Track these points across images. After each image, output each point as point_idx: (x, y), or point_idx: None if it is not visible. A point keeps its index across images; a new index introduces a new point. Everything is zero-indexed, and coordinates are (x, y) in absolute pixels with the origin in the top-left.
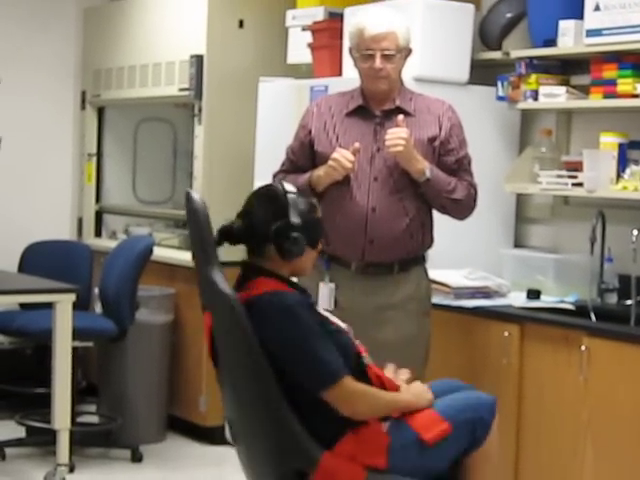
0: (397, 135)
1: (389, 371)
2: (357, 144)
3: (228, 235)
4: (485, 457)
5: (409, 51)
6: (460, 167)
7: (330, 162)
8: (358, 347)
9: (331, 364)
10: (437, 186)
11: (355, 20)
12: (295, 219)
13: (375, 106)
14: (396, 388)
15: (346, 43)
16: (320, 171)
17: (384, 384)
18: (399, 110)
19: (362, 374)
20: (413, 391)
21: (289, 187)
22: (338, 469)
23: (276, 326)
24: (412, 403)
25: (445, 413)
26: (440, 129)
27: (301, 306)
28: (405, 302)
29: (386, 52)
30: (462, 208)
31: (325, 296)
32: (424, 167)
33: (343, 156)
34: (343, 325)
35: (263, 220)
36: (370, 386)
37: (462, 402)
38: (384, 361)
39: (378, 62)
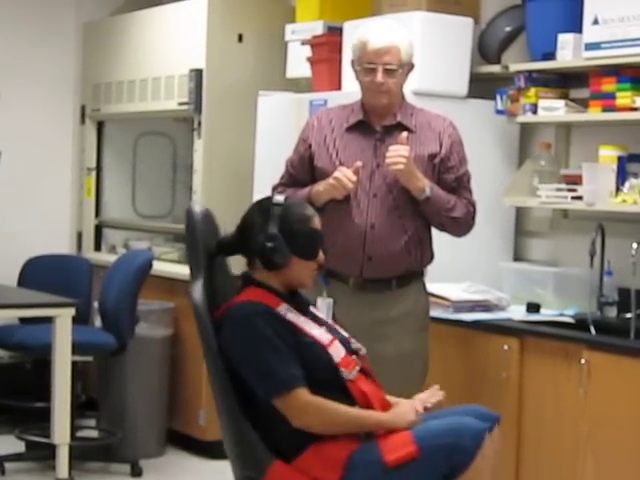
0: (398, 153)
1: (428, 391)
2: (359, 163)
3: (222, 246)
4: None
5: (411, 66)
6: (460, 185)
7: (331, 181)
8: (344, 361)
9: (280, 374)
10: (437, 204)
11: (358, 33)
12: (273, 229)
13: (376, 121)
14: (385, 406)
15: (345, 57)
16: (320, 187)
17: (369, 400)
18: (400, 126)
19: (340, 388)
20: (396, 410)
21: (278, 198)
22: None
23: (231, 333)
24: (385, 423)
25: (420, 437)
26: (441, 146)
27: (261, 316)
28: (403, 317)
29: (388, 66)
30: (460, 226)
31: (323, 311)
32: (424, 185)
33: (345, 175)
34: (346, 335)
35: (253, 231)
36: (333, 401)
37: (444, 427)
38: (379, 375)
39: (380, 76)
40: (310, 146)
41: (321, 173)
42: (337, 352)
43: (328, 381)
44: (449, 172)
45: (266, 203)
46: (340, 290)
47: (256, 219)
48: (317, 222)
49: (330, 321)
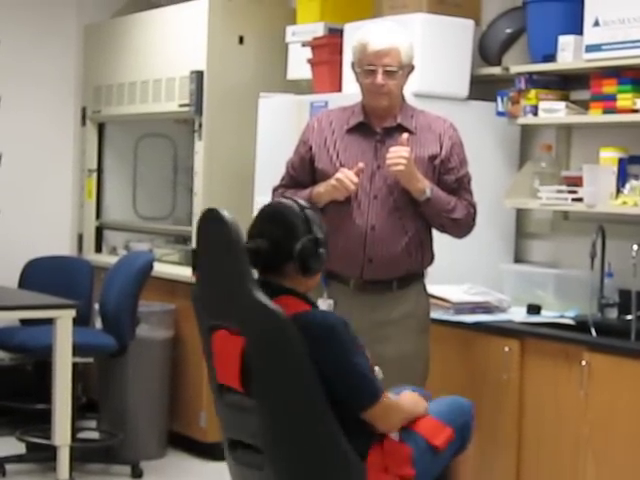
0: (398, 154)
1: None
2: (361, 164)
3: (255, 256)
4: (467, 460)
5: (411, 68)
6: (460, 186)
7: (333, 182)
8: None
9: (374, 382)
10: (437, 205)
11: (358, 35)
12: (320, 235)
13: (376, 123)
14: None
15: (346, 59)
16: (321, 188)
17: None
18: (400, 127)
19: None
20: (410, 400)
21: (303, 202)
22: None
23: (323, 344)
24: (416, 413)
25: (444, 419)
26: (441, 148)
27: (341, 324)
28: (404, 319)
29: (388, 68)
30: (461, 227)
31: None
32: (424, 186)
33: (347, 177)
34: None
35: (286, 238)
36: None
37: (453, 407)
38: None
39: (380, 78)
40: (310, 148)
41: (322, 174)
42: None
43: None
44: (449, 173)
45: (290, 208)
46: (340, 291)
47: (287, 225)
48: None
49: None
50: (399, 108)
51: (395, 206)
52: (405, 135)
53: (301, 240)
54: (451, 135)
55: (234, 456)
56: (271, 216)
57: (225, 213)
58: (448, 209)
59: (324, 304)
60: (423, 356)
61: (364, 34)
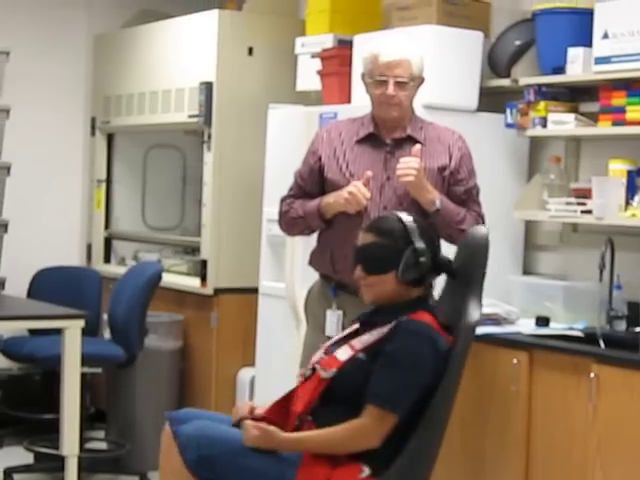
0: (408, 165)
1: None
2: (369, 173)
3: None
4: None
5: (422, 80)
6: (469, 197)
7: (346, 195)
8: None
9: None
10: (447, 217)
11: (369, 46)
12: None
13: (386, 134)
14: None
15: (355, 70)
16: (330, 198)
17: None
18: (410, 139)
19: None
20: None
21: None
22: None
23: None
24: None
25: None
26: (450, 159)
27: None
28: None
29: (399, 79)
30: None
31: (333, 323)
32: (434, 197)
33: (360, 192)
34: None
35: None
36: None
37: None
38: None
39: (391, 89)
40: (320, 158)
41: (331, 185)
42: None
43: None
44: (458, 185)
45: (414, 220)
46: (349, 302)
47: (428, 237)
48: None
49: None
50: (409, 120)
51: None
52: (417, 146)
53: (436, 252)
54: (460, 147)
55: None
56: (415, 229)
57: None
58: (457, 220)
59: (333, 315)
60: None
61: (376, 45)
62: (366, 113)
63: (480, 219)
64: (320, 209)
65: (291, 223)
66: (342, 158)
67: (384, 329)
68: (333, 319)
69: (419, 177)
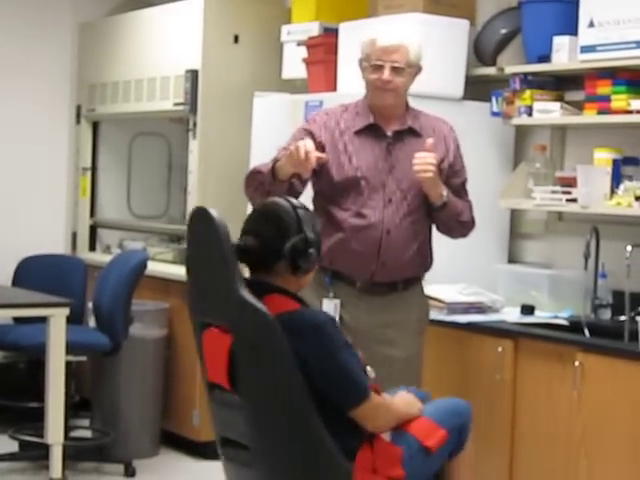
0: (425, 160)
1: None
2: (324, 156)
3: (244, 254)
4: (465, 461)
5: (419, 69)
6: (463, 188)
7: (291, 149)
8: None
9: (361, 380)
10: (451, 210)
11: (369, 33)
12: (310, 234)
13: (385, 125)
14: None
15: (341, 58)
16: (283, 159)
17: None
18: (410, 130)
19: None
20: (404, 401)
21: (296, 202)
22: None
23: (311, 343)
24: (411, 414)
25: (438, 420)
26: (448, 151)
27: (331, 323)
28: (408, 320)
29: (396, 64)
30: (466, 229)
31: (330, 312)
32: (442, 191)
33: (305, 147)
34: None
35: (276, 237)
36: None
37: (450, 408)
38: (386, 378)
39: (387, 73)
40: (320, 143)
41: (335, 176)
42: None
43: None
44: (456, 176)
45: (283, 207)
46: (345, 292)
47: (279, 223)
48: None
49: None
50: (405, 109)
51: (409, 210)
52: (430, 140)
53: (292, 239)
54: (454, 138)
55: (224, 453)
56: (263, 214)
57: (213, 212)
58: (458, 212)
59: (330, 304)
60: (422, 356)
61: (374, 31)
62: (357, 101)
63: (471, 208)
64: (274, 169)
65: (249, 178)
66: (344, 150)
67: None
68: (330, 308)
69: (435, 172)
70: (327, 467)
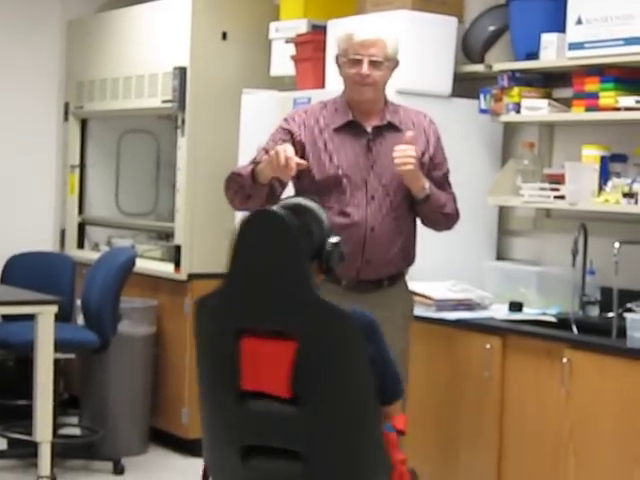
0: (405, 153)
1: None
2: (305, 162)
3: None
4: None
5: (396, 62)
6: (445, 180)
7: (271, 154)
8: None
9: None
10: (434, 202)
11: (344, 28)
12: (335, 237)
13: (364, 121)
14: None
15: (330, 55)
16: (264, 162)
17: None
18: (390, 125)
19: None
20: None
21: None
22: (403, 472)
23: (372, 341)
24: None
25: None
26: (428, 144)
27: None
28: (394, 316)
29: (374, 58)
30: (451, 221)
31: None
32: (424, 184)
33: (285, 153)
34: None
35: (320, 236)
36: None
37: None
38: None
39: (365, 67)
40: (300, 142)
41: (316, 175)
42: None
43: None
44: (437, 169)
45: (311, 206)
46: (330, 290)
47: (318, 223)
48: None
49: None
50: (384, 104)
51: (391, 206)
52: (410, 133)
53: (330, 239)
54: (434, 130)
55: (249, 464)
56: (305, 215)
57: (283, 213)
58: (441, 204)
59: None
60: (409, 352)
61: (350, 26)
62: (335, 97)
63: (455, 200)
64: (254, 172)
65: (229, 181)
66: (324, 148)
67: None
68: None
69: (416, 165)
70: (381, 463)
